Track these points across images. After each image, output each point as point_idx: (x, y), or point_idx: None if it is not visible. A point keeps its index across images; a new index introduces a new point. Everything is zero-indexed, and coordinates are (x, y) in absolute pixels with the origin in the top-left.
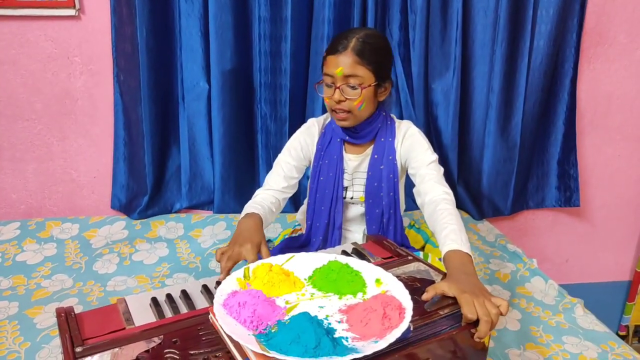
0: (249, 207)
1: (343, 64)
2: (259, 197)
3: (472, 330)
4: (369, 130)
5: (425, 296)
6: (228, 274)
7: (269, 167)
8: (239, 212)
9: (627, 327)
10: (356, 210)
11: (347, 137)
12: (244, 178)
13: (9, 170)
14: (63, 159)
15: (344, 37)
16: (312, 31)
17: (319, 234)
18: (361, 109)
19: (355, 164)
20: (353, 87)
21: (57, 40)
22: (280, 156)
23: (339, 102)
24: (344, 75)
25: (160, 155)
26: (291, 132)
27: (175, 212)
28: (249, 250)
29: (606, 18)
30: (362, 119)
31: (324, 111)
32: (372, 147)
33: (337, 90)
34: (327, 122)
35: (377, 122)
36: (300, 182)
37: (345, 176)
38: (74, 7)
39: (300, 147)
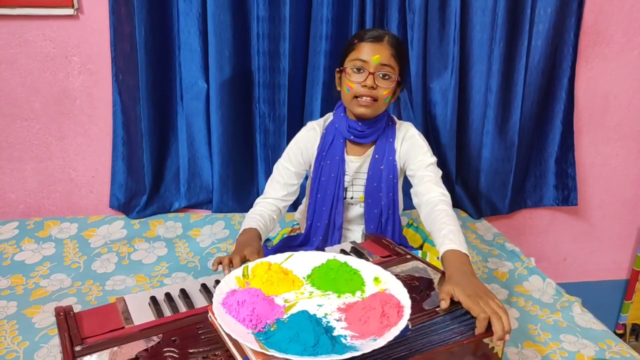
0: (249, 220)
1: (380, 52)
2: (259, 206)
3: (486, 341)
4: (375, 129)
5: (444, 305)
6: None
7: (267, 166)
8: (238, 211)
9: (624, 325)
10: (356, 210)
11: (352, 137)
12: (243, 177)
13: (7, 169)
14: (62, 159)
15: (376, 30)
16: (310, 30)
17: (318, 234)
18: (386, 101)
19: (357, 165)
20: (384, 77)
21: (55, 39)
22: (280, 161)
23: (370, 88)
24: (380, 63)
25: (159, 155)
26: (290, 131)
27: (174, 211)
28: (252, 252)
29: (604, 17)
30: (380, 112)
31: (323, 111)
32: (373, 148)
33: (371, 76)
34: (328, 123)
35: (382, 122)
36: None
37: (346, 177)
38: (73, 6)
39: (300, 152)
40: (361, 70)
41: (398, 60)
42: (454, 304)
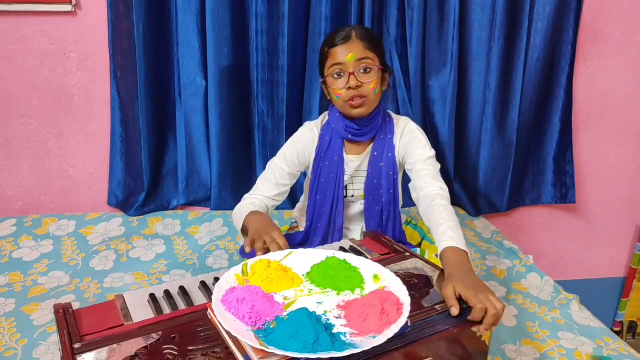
0: (245, 208)
1: (352, 50)
2: (249, 200)
3: (474, 329)
4: (372, 127)
5: (455, 311)
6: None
7: (266, 163)
8: None
9: (621, 323)
10: (357, 208)
11: (350, 136)
12: (241, 175)
13: (5, 167)
14: (60, 156)
15: (342, 30)
16: (309, 28)
17: (318, 234)
18: (376, 93)
19: (356, 164)
20: (366, 71)
21: (53, 36)
22: (275, 160)
23: (356, 87)
24: (356, 59)
25: (157, 152)
26: (288, 128)
27: (172, 208)
28: (279, 236)
29: (602, 15)
30: (375, 105)
31: (321, 108)
32: (371, 145)
33: (352, 76)
34: (324, 123)
35: (379, 118)
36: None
37: (345, 176)
38: (70, 2)
39: (297, 153)
40: (341, 74)
41: (374, 50)
42: (460, 302)
